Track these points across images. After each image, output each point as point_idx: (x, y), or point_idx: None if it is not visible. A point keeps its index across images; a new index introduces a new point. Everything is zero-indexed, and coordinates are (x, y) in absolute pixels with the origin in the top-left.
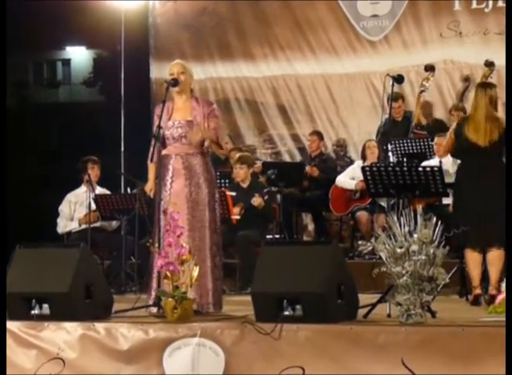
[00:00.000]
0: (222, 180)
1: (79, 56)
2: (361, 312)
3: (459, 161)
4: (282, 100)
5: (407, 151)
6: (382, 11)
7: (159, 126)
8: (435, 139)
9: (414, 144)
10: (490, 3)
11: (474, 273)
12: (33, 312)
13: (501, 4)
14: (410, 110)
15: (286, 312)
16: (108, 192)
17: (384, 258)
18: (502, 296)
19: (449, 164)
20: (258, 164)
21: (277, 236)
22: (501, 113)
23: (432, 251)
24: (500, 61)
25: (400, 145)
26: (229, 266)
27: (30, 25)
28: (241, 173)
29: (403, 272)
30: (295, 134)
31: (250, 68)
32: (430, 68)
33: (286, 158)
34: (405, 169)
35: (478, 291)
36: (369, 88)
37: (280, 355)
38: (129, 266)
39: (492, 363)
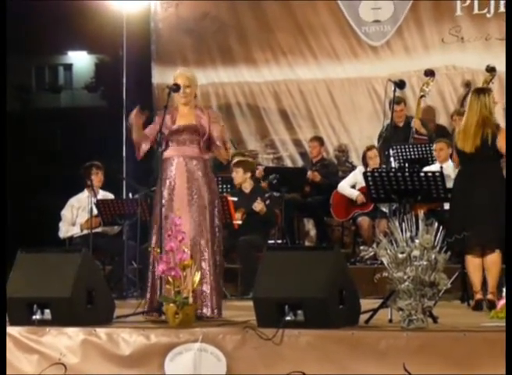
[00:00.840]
0: (224, 185)
1: (81, 61)
2: (363, 317)
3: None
4: (283, 105)
5: (408, 157)
6: (383, 16)
7: (160, 132)
8: (434, 145)
9: (415, 149)
10: (492, 8)
11: (475, 278)
12: (34, 317)
13: (503, 9)
14: (411, 115)
15: (288, 318)
16: (111, 195)
17: (386, 264)
18: (503, 301)
19: (451, 169)
20: (260, 169)
21: (279, 241)
22: (501, 118)
23: (433, 256)
24: (502, 66)
25: (402, 151)
26: (230, 271)
27: (32, 30)
28: (237, 177)
29: (405, 277)
30: (297, 139)
31: (252, 73)
32: (430, 73)
33: (288, 163)
34: (407, 174)
35: (479, 296)
36: (371, 93)
37: (282, 360)
38: (131, 271)
39: (494, 368)
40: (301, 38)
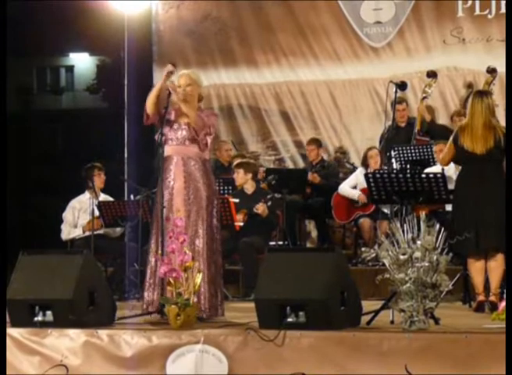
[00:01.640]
0: (226, 187)
1: (82, 63)
2: (364, 318)
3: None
4: (285, 106)
5: (410, 158)
6: (385, 17)
7: (161, 133)
8: (434, 147)
9: (417, 150)
10: (493, 10)
11: (477, 279)
12: (36, 318)
13: (504, 10)
14: (413, 116)
15: (290, 319)
16: (111, 199)
17: (387, 265)
18: (505, 303)
19: (452, 171)
20: (261, 170)
21: (280, 243)
22: (501, 120)
23: (435, 257)
24: (503, 67)
25: (403, 152)
26: (232, 272)
27: (34, 31)
28: (238, 179)
29: (407, 278)
30: (298, 141)
31: (254, 74)
32: (432, 74)
33: (289, 164)
34: (408, 175)
35: (481, 297)
36: (372, 95)
37: (283, 361)
38: (133, 272)
39: (495, 370)
40: (302, 39)
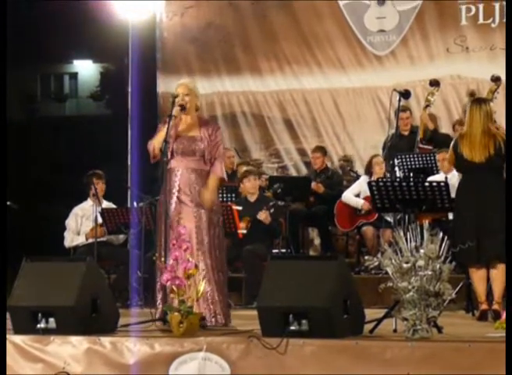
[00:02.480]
0: (229, 195)
1: (86, 70)
2: (367, 327)
3: None
4: (288, 114)
5: (413, 166)
6: (388, 26)
7: (166, 141)
8: (437, 155)
9: (420, 159)
10: (497, 18)
11: (480, 288)
12: (39, 325)
13: None
14: (416, 125)
15: (292, 327)
16: (114, 206)
17: (390, 274)
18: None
19: (455, 179)
20: (263, 178)
21: (283, 250)
22: (502, 128)
23: (438, 266)
24: None
25: (407, 160)
26: (235, 280)
27: (38, 39)
28: (249, 186)
29: (410, 287)
30: (301, 149)
31: (257, 82)
32: (435, 83)
33: (293, 172)
34: (411, 184)
35: (484, 306)
36: (376, 103)
37: (286, 369)
38: (136, 279)
39: None
40: (306, 48)
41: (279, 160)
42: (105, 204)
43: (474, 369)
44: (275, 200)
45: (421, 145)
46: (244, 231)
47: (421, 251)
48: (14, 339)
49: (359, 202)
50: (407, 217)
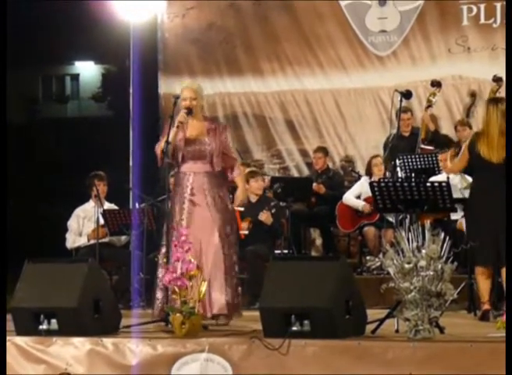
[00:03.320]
0: (230, 195)
1: (87, 71)
2: (369, 327)
3: (467, 176)
4: (290, 115)
5: (415, 167)
6: (390, 26)
7: (167, 142)
8: (439, 156)
9: (421, 159)
10: (498, 18)
11: (484, 288)
12: (41, 327)
13: None
14: (417, 126)
15: (294, 328)
16: (116, 207)
17: (392, 274)
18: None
19: (457, 179)
20: (266, 179)
21: (285, 251)
22: None
23: (440, 266)
24: None
25: (408, 161)
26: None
27: (39, 40)
28: (255, 186)
29: (411, 287)
30: (303, 149)
31: (259, 83)
32: (437, 83)
33: (294, 173)
34: (413, 184)
35: (486, 306)
36: (377, 103)
37: (288, 370)
38: (138, 281)
39: None
40: (308, 48)
41: (280, 161)
42: (107, 205)
43: (477, 369)
44: (276, 200)
45: (422, 146)
46: (246, 232)
47: (423, 251)
48: (16, 340)
49: (359, 204)
50: (408, 217)
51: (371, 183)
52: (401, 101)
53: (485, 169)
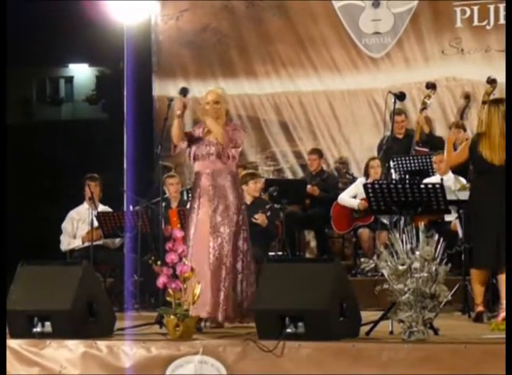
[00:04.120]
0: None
1: (81, 73)
2: (364, 329)
3: (461, 178)
4: (284, 117)
5: (409, 169)
6: (383, 28)
7: (161, 144)
8: (434, 157)
9: (416, 161)
10: (492, 20)
11: (478, 290)
12: (35, 329)
13: (502, 21)
14: (411, 128)
15: (289, 330)
16: (110, 210)
17: (386, 276)
18: (504, 313)
19: (451, 181)
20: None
21: (279, 253)
22: None
23: (434, 268)
24: (502, 78)
25: (402, 162)
26: None
27: (33, 42)
28: (253, 187)
29: (406, 289)
30: (297, 151)
31: (253, 85)
32: (431, 86)
33: (289, 175)
34: (407, 186)
35: (480, 308)
36: (371, 105)
37: (282, 372)
38: (132, 283)
39: None
40: (301, 50)
41: (274, 163)
42: (101, 207)
43: (471, 370)
44: (271, 203)
45: (417, 148)
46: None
47: (417, 253)
48: (10, 343)
49: (355, 202)
50: (402, 219)
51: (365, 185)
52: (395, 103)
53: (486, 171)
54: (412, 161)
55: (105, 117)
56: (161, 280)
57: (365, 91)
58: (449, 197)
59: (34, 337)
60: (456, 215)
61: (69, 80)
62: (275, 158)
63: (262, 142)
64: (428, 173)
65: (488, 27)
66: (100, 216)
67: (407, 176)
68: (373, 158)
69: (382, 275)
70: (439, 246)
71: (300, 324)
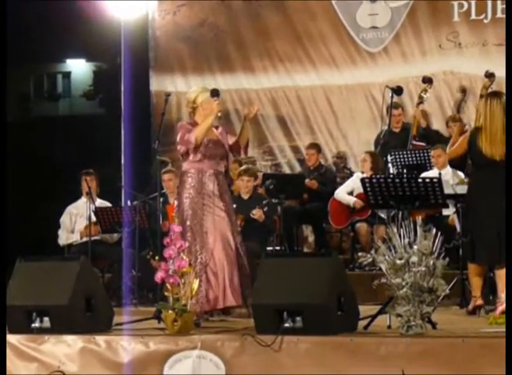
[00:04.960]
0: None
1: (79, 69)
2: (362, 323)
3: (459, 172)
4: (281, 112)
5: (406, 163)
6: (381, 22)
7: (158, 140)
8: (432, 151)
9: (413, 155)
10: (489, 14)
11: (476, 283)
12: (33, 325)
13: (500, 15)
14: (408, 122)
15: (287, 324)
16: (108, 204)
17: (384, 270)
18: (502, 306)
19: (449, 175)
20: (260, 176)
21: (277, 248)
22: None
23: (431, 262)
24: (500, 72)
25: (400, 156)
26: None
27: (31, 38)
28: (249, 185)
29: (403, 283)
30: (295, 146)
31: (250, 80)
32: (428, 80)
33: (286, 169)
34: (405, 180)
35: (478, 301)
36: (369, 99)
37: (281, 367)
38: (130, 278)
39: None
40: (299, 45)
41: (272, 158)
42: (99, 202)
43: (469, 364)
44: (268, 198)
45: (414, 142)
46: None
47: (415, 247)
48: (9, 339)
49: (351, 200)
50: (400, 213)
51: (362, 180)
52: (392, 97)
53: (485, 166)
54: (410, 155)
55: (103, 112)
56: (159, 275)
57: (363, 85)
58: (447, 191)
59: (33, 333)
60: (454, 209)
61: (67, 75)
62: (273, 152)
63: (260, 137)
64: (426, 167)
65: (485, 21)
66: (98, 211)
67: (405, 171)
68: (364, 152)
69: (380, 269)
70: (437, 240)
71: (298, 319)
